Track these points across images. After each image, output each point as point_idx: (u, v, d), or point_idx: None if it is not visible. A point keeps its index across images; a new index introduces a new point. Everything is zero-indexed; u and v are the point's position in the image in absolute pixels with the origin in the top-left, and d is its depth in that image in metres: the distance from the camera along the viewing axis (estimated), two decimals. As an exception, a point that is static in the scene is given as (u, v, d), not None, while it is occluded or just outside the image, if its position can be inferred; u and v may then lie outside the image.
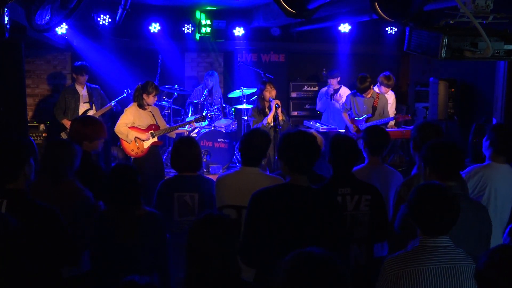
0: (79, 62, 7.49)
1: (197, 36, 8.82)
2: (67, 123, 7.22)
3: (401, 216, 2.81)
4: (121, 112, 6.20)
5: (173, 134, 6.60)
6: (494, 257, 1.75)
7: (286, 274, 1.61)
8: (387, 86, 7.17)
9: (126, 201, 2.96)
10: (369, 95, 6.75)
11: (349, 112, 7.00)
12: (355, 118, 6.87)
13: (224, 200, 3.35)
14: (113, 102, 7.35)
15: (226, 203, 3.32)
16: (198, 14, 8.71)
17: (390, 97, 7.49)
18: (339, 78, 8.09)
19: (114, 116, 7.42)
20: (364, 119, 6.74)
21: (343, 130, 7.14)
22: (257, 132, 3.49)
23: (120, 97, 7.48)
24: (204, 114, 7.40)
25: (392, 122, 7.09)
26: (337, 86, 8.13)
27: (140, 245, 2.93)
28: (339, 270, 1.62)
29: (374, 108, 6.76)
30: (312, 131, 3.72)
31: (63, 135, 7.20)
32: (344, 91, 8.09)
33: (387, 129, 6.83)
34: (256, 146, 3.36)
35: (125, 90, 7.46)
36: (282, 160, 2.76)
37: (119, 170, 3.06)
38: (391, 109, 7.39)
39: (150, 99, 5.91)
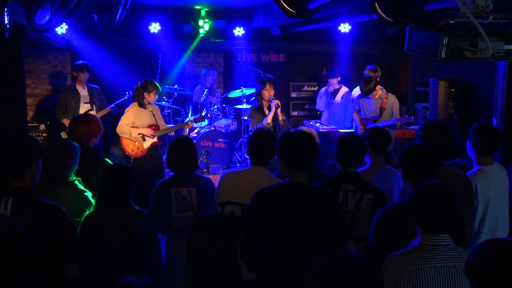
0: (81, 61, 7.50)
1: (197, 36, 8.82)
2: (67, 122, 7.22)
3: (376, 220, 2.77)
4: (121, 114, 6.20)
5: (172, 133, 6.61)
6: (483, 248, 1.74)
7: (322, 272, 1.59)
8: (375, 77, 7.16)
9: (114, 201, 2.95)
10: (376, 96, 6.75)
11: (359, 113, 7.01)
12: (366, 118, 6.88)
13: (229, 195, 3.32)
14: (112, 105, 7.33)
15: (231, 200, 3.30)
16: (200, 13, 8.72)
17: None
18: (339, 78, 8.11)
19: (113, 116, 7.43)
20: (372, 119, 6.75)
21: (343, 130, 7.14)
22: (263, 131, 3.53)
23: (121, 100, 7.47)
24: (203, 114, 7.39)
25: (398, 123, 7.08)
26: (337, 86, 8.15)
27: (129, 243, 2.92)
28: (377, 275, 1.63)
29: (382, 109, 6.76)
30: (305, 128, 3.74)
31: (63, 135, 7.20)
32: (344, 91, 8.11)
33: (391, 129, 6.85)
34: (264, 145, 3.38)
35: (127, 93, 7.43)
36: (282, 159, 2.78)
37: (111, 170, 3.07)
38: None
39: (151, 97, 5.90)
